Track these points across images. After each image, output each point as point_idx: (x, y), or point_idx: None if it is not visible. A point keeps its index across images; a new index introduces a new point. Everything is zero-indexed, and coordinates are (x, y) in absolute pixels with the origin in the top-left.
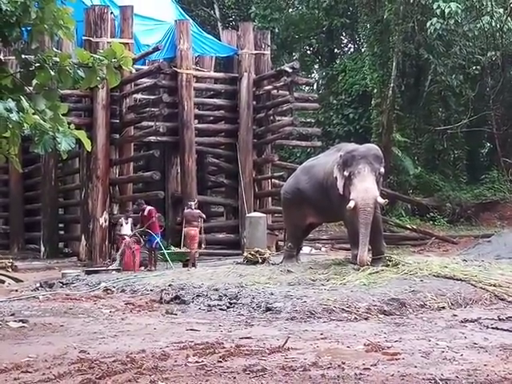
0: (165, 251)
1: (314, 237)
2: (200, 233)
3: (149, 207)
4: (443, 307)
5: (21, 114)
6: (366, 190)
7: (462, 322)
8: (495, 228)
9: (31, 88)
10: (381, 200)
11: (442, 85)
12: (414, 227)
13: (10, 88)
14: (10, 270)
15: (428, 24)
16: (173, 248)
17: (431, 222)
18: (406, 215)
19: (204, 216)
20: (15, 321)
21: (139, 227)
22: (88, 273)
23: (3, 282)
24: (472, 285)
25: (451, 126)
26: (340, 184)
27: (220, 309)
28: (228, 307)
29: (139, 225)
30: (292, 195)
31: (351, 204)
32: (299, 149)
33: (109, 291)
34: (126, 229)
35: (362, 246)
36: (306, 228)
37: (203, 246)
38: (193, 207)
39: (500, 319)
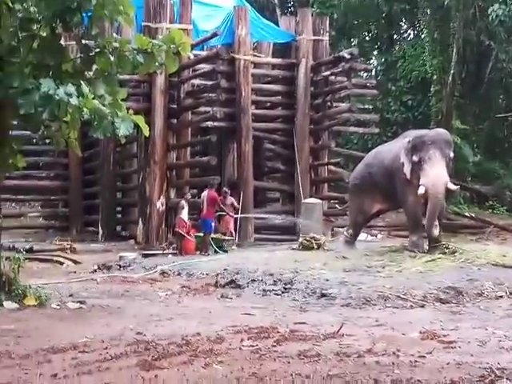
0: (220, 237)
1: (369, 223)
2: None
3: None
4: (501, 296)
5: (80, 98)
6: (437, 175)
7: None
8: None
9: (91, 73)
10: (452, 186)
11: (503, 72)
12: (473, 215)
13: (70, 73)
14: (68, 251)
15: (489, 10)
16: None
17: (490, 211)
18: (464, 203)
19: None
20: (73, 302)
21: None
22: (145, 256)
23: (62, 263)
24: None
25: None
26: (407, 169)
27: (275, 294)
28: (283, 292)
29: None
30: (361, 181)
31: (421, 190)
32: (356, 135)
33: (165, 274)
34: (186, 213)
35: (429, 226)
36: (370, 215)
37: None
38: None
39: None
